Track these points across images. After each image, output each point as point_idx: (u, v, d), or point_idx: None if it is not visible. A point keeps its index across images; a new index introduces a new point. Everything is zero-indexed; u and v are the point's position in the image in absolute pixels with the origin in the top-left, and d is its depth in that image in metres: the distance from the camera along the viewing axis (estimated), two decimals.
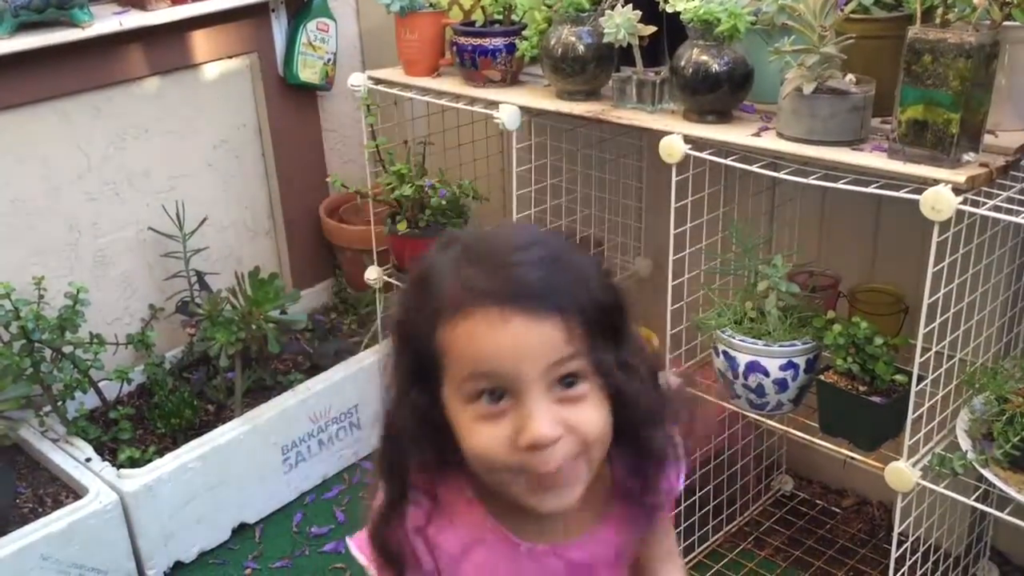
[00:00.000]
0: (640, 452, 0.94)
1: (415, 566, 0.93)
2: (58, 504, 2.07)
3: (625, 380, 0.88)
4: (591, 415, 0.86)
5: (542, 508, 0.87)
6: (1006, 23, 1.42)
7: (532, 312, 0.83)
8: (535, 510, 0.88)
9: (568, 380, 0.85)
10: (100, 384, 2.33)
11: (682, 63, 1.69)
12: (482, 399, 0.84)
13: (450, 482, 0.94)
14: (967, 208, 1.39)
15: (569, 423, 0.84)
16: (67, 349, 2.20)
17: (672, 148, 1.67)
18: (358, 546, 0.99)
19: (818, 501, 2.29)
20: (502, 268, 0.85)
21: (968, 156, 1.44)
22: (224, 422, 2.28)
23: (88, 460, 2.15)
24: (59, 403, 2.23)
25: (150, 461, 2.16)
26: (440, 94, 2.11)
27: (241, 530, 2.30)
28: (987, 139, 1.48)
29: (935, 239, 1.42)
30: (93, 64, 2.29)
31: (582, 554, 0.96)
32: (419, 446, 0.90)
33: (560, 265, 0.86)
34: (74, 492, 2.11)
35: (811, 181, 1.55)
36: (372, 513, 0.95)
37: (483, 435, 0.84)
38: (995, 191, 1.44)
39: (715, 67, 1.66)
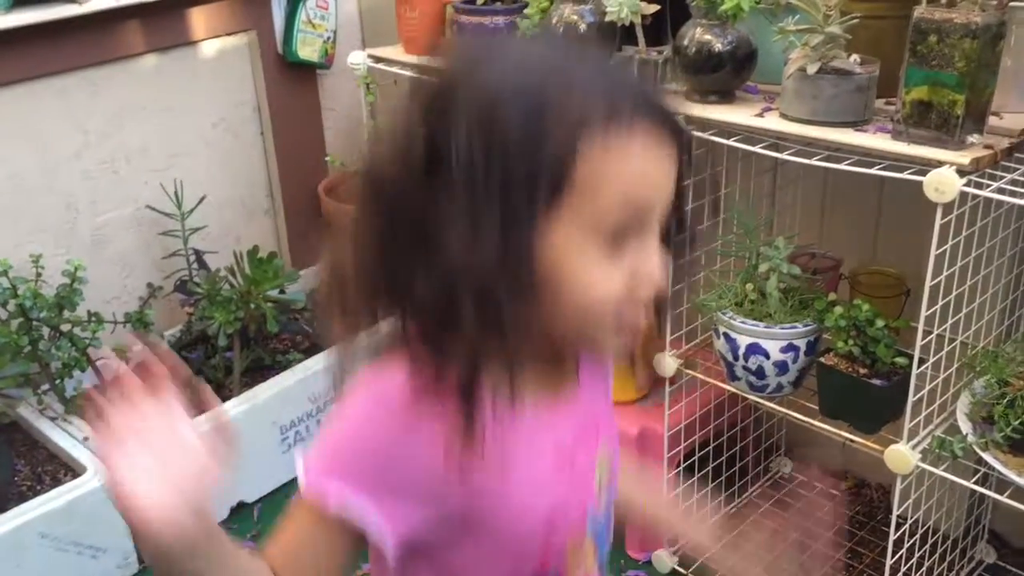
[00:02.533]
0: None
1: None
2: (56, 482, 2.06)
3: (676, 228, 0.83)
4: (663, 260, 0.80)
5: (612, 352, 0.84)
6: (1013, 3, 1.40)
7: (677, 141, 0.76)
8: (603, 354, 0.85)
9: None
10: (98, 363, 2.32)
11: (685, 42, 1.67)
12: (609, 237, 0.73)
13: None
14: (971, 190, 1.38)
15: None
16: (65, 327, 2.19)
17: None
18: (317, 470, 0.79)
19: (816, 483, 2.29)
20: (643, 86, 0.75)
21: (973, 138, 1.42)
22: (222, 401, 2.28)
23: (86, 438, 2.15)
24: (57, 381, 2.22)
25: None
26: None
27: (239, 509, 2.30)
28: (992, 121, 1.47)
29: (938, 221, 1.41)
30: (90, 41, 2.27)
31: (576, 409, 0.88)
32: (522, 292, 0.72)
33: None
34: (72, 470, 2.10)
35: (814, 162, 1.54)
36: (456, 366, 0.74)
37: (607, 277, 0.74)
38: (999, 173, 1.43)
39: (718, 46, 1.64)
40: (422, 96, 0.75)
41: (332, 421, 0.80)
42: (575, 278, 0.74)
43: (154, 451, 0.68)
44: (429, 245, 0.71)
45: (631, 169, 0.73)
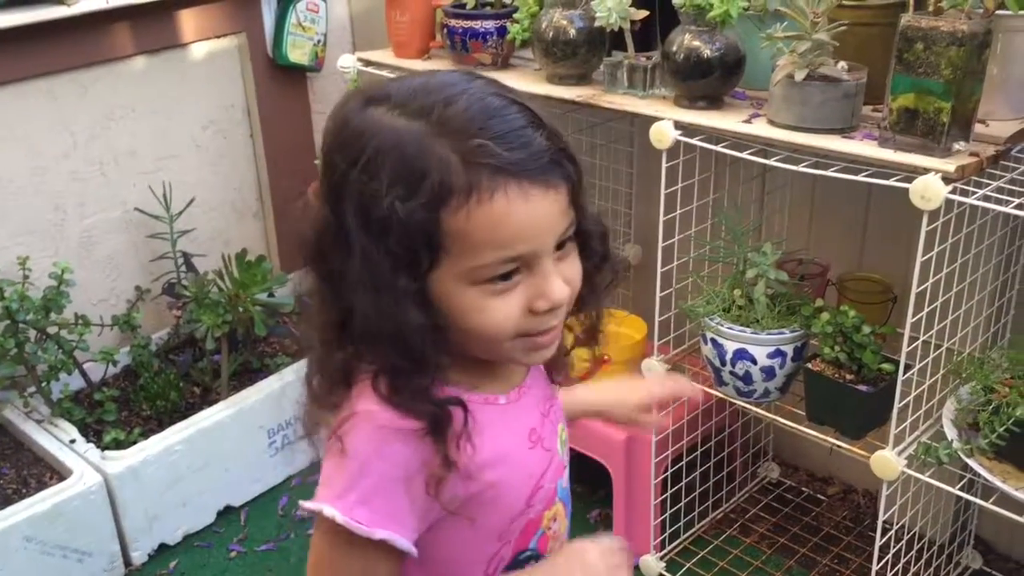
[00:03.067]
0: (579, 301, 0.95)
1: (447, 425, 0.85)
2: (42, 485, 2.05)
3: (597, 237, 0.92)
4: (577, 268, 0.89)
5: (533, 363, 0.93)
6: (999, 12, 1.41)
7: (547, 183, 0.82)
8: (524, 364, 0.93)
9: (562, 242, 0.86)
10: (85, 365, 2.31)
11: (674, 48, 1.68)
12: (495, 280, 0.82)
13: None
14: (956, 198, 1.39)
15: (565, 279, 0.86)
16: (52, 330, 2.18)
17: (662, 134, 1.66)
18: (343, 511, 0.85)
19: (804, 488, 2.29)
20: (503, 139, 0.80)
21: (959, 145, 1.43)
22: (210, 405, 2.28)
23: (72, 441, 2.14)
24: (44, 384, 2.21)
25: (135, 443, 2.14)
26: None
27: (226, 513, 2.29)
28: (978, 128, 1.48)
29: (924, 228, 1.41)
30: (79, 42, 2.26)
31: (537, 393, 0.99)
32: (423, 331, 0.83)
33: (545, 126, 0.83)
34: (58, 473, 2.10)
35: (801, 168, 1.55)
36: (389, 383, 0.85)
37: (498, 311, 0.83)
38: (985, 181, 1.44)
39: (707, 53, 1.65)
40: (325, 177, 0.85)
41: (341, 460, 0.86)
42: (468, 315, 0.83)
43: None
44: (351, 301, 0.83)
45: (496, 232, 0.80)
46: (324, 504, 0.85)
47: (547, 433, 0.97)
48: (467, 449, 0.85)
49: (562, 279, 0.85)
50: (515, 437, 0.93)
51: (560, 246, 0.86)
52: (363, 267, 0.81)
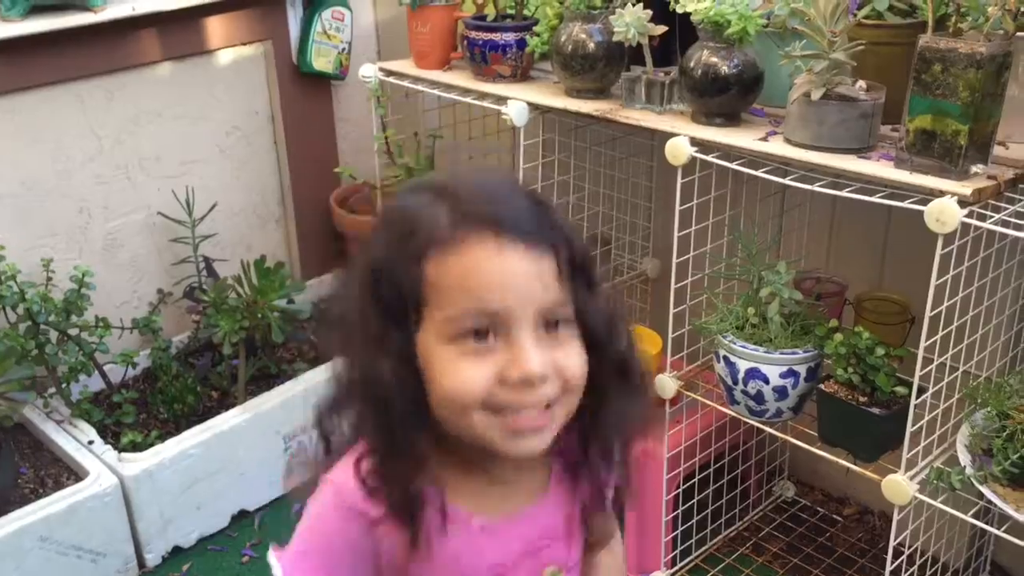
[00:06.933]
0: (597, 421, 0.92)
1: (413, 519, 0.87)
2: (59, 485, 2.08)
3: (604, 333, 0.88)
4: (575, 359, 0.86)
5: (513, 453, 0.85)
6: (1019, 33, 1.39)
7: (528, 245, 0.82)
8: (506, 455, 0.86)
9: (554, 323, 0.84)
10: (105, 367, 2.34)
11: (691, 64, 1.67)
12: (468, 337, 0.81)
13: None
14: (972, 221, 1.37)
15: (555, 365, 0.84)
16: (73, 332, 2.21)
17: (677, 150, 1.65)
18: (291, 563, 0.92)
19: (819, 508, 2.27)
20: (493, 202, 0.83)
21: (976, 168, 1.41)
22: (227, 409, 2.29)
23: (90, 443, 2.16)
24: (63, 385, 2.24)
25: (152, 446, 2.16)
26: (450, 88, 2.10)
27: (241, 517, 2.31)
28: (997, 151, 1.46)
29: (939, 251, 1.40)
30: (106, 48, 2.29)
31: (532, 527, 0.94)
32: (406, 397, 0.84)
33: (546, 207, 0.86)
34: (75, 474, 2.12)
35: (816, 188, 1.53)
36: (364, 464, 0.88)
37: (466, 372, 0.81)
38: (1003, 205, 1.42)
39: (724, 69, 1.64)
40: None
41: (303, 519, 0.92)
42: (438, 373, 0.83)
43: None
44: (352, 360, 0.87)
45: (467, 280, 0.81)
46: (274, 552, 0.92)
47: (520, 573, 0.93)
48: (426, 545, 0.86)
49: (549, 361, 0.83)
50: (474, 563, 0.91)
51: (553, 328, 0.84)
52: (360, 322, 0.84)
